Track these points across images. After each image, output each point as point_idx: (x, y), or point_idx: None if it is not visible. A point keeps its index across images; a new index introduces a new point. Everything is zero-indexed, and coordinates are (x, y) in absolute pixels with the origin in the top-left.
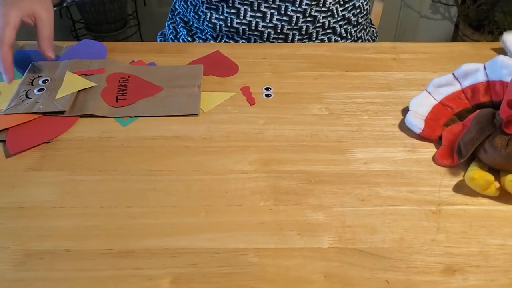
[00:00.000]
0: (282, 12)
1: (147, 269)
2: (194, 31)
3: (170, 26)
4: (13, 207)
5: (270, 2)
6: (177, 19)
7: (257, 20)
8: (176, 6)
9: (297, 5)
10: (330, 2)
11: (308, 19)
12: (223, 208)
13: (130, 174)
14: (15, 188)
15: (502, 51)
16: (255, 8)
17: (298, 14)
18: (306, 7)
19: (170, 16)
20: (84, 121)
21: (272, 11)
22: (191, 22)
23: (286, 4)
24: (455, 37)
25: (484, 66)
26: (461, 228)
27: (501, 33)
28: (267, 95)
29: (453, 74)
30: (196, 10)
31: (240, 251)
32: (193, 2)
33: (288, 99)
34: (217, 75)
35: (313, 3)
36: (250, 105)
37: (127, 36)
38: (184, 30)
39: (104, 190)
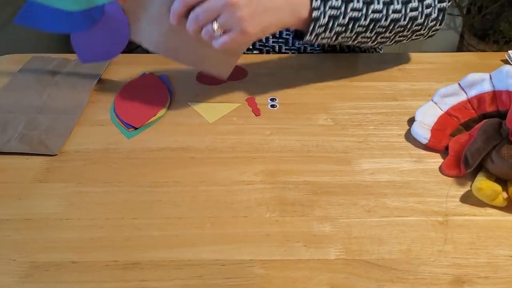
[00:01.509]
0: (276, 51)
1: (152, 281)
2: None
3: None
4: (19, 219)
5: (264, 41)
6: None
7: (254, 52)
8: None
9: (290, 45)
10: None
11: (306, 52)
12: (229, 220)
13: (135, 186)
14: (21, 200)
15: (508, 61)
16: (250, 47)
17: (292, 52)
18: (300, 45)
19: None
20: (90, 132)
21: (267, 49)
22: None
23: (280, 44)
24: (460, 47)
25: (490, 76)
26: (468, 239)
27: (506, 43)
28: (272, 106)
29: (459, 84)
30: None
31: (246, 263)
32: None
33: (293, 110)
34: (230, 80)
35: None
36: (256, 116)
37: (133, 48)
38: None
39: (110, 202)
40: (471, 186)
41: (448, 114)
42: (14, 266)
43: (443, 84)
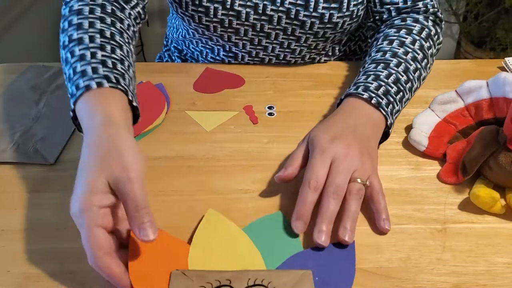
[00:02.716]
0: (281, 59)
1: None
2: (189, 61)
3: (165, 54)
4: (15, 229)
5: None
6: (172, 48)
7: (255, 62)
8: (168, 34)
9: (296, 54)
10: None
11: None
12: None
13: None
14: (17, 210)
15: (504, 68)
16: (253, 55)
17: (296, 60)
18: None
19: (165, 43)
20: None
21: (269, 57)
22: (184, 52)
23: (285, 53)
24: (458, 55)
25: (487, 83)
26: (467, 246)
27: (503, 50)
28: (270, 114)
29: (456, 91)
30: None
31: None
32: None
33: (291, 118)
34: (229, 88)
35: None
36: (253, 124)
37: None
38: (179, 60)
39: None
40: (469, 194)
41: (445, 121)
42: (9, 277)
43: (441, 92)
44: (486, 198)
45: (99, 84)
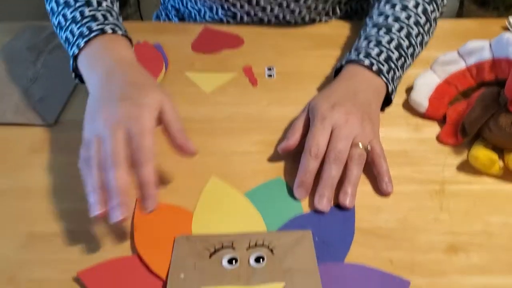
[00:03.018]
0: (280, 19)
1: None
2: (187, 21)
3: (162, 12)
4: (18, 189)
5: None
6: (169, 6)
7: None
8: None
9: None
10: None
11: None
12: None
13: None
14: (20, 170)
15: (508, 28)
16: (253, 14)
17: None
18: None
19: (162, 1)
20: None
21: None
22: (182, 11)
23: (284, 14)
24: (460, 14)
25: (490, 43)
26: (464, 207)
27: (507, 9)
28: (269, 75)
29: (458, 51)
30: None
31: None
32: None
33: (291, 79)
34: (228, 48)
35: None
36: (253, 85)
37: (127, 15)
38: (176, 19)
39: None
40: (468, 155)
41: (446, 82)
42: (13, 236)
43: (442, 52)
44: (484, 160)
45: (114, 30)
